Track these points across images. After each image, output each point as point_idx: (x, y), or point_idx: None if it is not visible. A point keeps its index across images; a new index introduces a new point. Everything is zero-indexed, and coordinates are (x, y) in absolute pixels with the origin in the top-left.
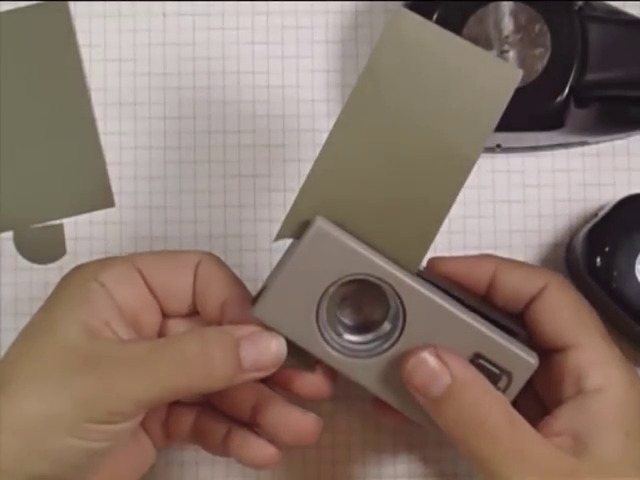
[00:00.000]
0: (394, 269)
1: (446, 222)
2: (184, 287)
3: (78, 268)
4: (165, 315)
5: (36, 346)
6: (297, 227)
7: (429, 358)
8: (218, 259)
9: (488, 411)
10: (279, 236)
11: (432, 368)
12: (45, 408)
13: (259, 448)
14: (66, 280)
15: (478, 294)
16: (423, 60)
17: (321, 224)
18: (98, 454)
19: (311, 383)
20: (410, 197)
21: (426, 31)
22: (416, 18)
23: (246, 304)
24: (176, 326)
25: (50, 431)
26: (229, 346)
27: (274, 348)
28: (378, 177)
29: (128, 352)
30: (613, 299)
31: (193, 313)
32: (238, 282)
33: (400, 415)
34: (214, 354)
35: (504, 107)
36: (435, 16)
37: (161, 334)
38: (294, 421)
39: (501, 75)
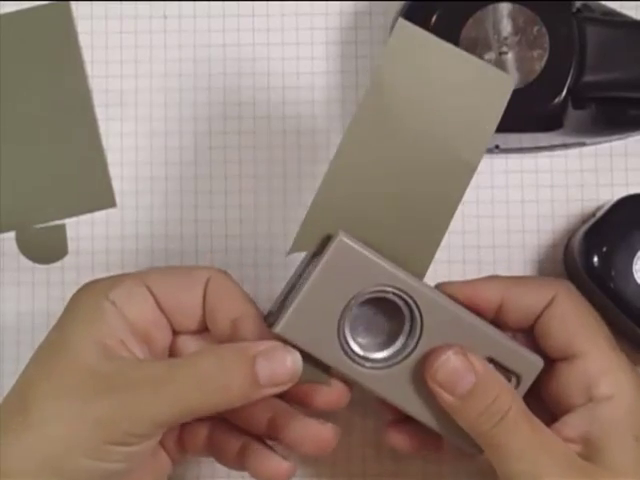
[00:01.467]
0: (413, 281)
1: None
2: (193, 304)
3: (88, 286)
4: (175, 331)
5: (55, 367)
6: (311, 241)
7: (455, 357)
8: (228, 275)
9: (509, 404)
10: (292, 250)
11: (458, 367)
12: (64, 429)
13: (275, 463)
14: (78, 298)
15: (487, 317)
16: (424, 72)
17: (344, 238)
18: (116, 475)
19: (328, 396)
20: (416, 205)
21: (426, 43)
22: (417, 31)
23: (259, 321)
24: (186, 343)
25: (68, 452)
26: (245, 363)
27: (290, 363)
28: (385, 187)
29: (145, 373)
30: (611, 299)
31: (203, 329)
32: (248, 299)
33: (415, 439)
34: (231, 372)
35: (501, 113)
36: (434, 18)
37: (172, 350)
38: (315, 432)
39: (497, 82)
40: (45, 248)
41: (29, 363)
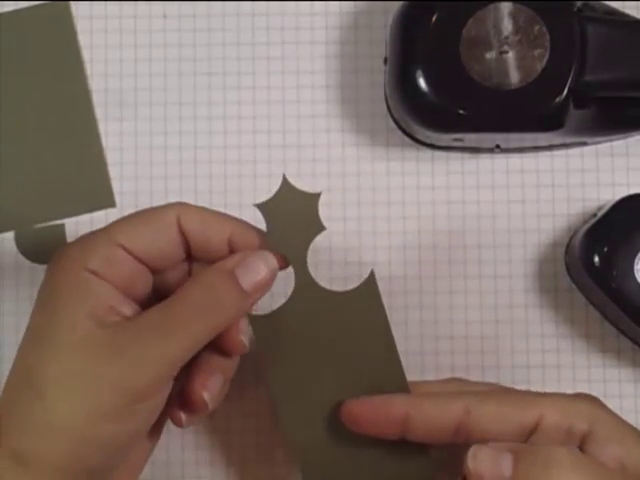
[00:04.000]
0: None
1: (445, 222)
2: (172, 246)
3: (61, 258)
4: (155, 272)
5: (57, 349)
6: None
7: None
8: (196, 206)
9: None
10: None
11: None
12: (85, 404)
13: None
14: (57, 275)
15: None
16: None
17: None
18: (140, 434)
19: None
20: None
21: None
22: None
23: (248, 227)
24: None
25: (96, 424)
26: (228, 280)
27: (264, 267)
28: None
29: (144, 325)
30: (612, 298)
31: (183, 261)
32: (225, 215)
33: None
34: (219, 293)
35: None
36: (434, 17)
37: (157, 287)
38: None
39: None
40: (44, 248)
41: (24, 351)
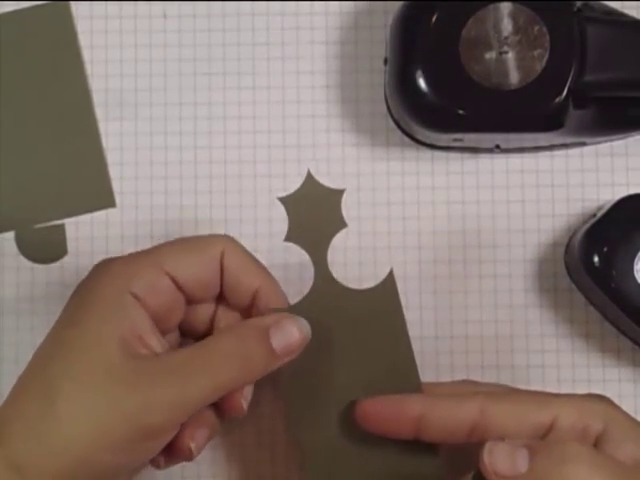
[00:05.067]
0: None
1: (445, 222)
2: (212, 279)
3: (106, 273)
4: (189, 302)
5: (79, 366)
6: None
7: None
8: (238, 244)
9: None
10: None
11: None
12: (92, 429)
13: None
14: (96, 289)
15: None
16: None
17: None
18: (134, 471)
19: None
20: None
21: None
22: None
23: (277, 289)
24: (199, 312)
25: (96, 451)
26: (262, 338)
27: (298, 332)
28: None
29: (170, 363)
30: (612, 299)
31: (215, 298)
32: (263, 268)
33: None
34: (250, 347)
35: None
36: (434, 17)
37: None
38: None
39: None
40: (44, 248)
41: (47, 357)
